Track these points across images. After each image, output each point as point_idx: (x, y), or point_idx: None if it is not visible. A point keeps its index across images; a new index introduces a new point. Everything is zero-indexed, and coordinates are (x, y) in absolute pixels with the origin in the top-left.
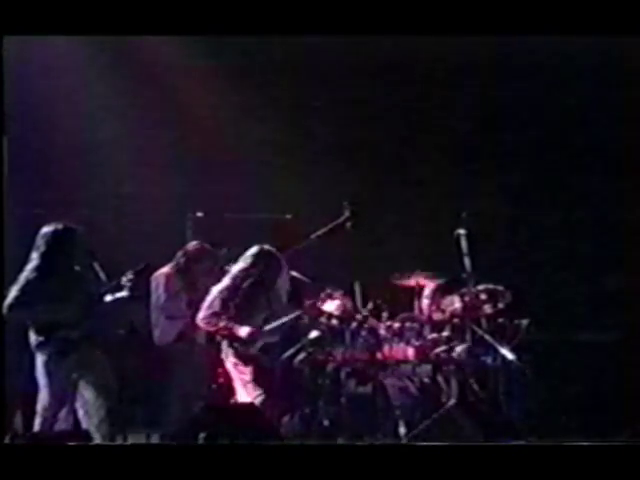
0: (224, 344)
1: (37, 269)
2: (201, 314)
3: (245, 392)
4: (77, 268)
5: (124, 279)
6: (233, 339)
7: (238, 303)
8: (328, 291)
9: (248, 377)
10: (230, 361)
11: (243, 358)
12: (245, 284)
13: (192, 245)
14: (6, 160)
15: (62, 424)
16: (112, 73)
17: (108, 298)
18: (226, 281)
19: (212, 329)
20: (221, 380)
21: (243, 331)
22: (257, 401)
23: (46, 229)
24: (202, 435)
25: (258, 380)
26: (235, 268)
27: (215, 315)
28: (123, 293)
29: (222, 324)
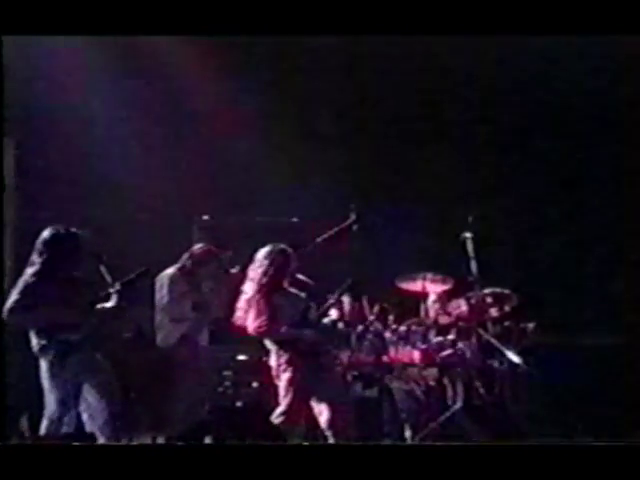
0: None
1: (37, 273)
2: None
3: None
4: (78, 271)
5: (112, 289)
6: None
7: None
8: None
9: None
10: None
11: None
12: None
13: (198, 248)
14: (11, 161)
15: (68, 427)
16: (120, 75)
17: (107, 304)
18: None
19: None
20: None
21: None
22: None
23: (46, 233)
24: (208, 438)
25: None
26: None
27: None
28: (110, 303)
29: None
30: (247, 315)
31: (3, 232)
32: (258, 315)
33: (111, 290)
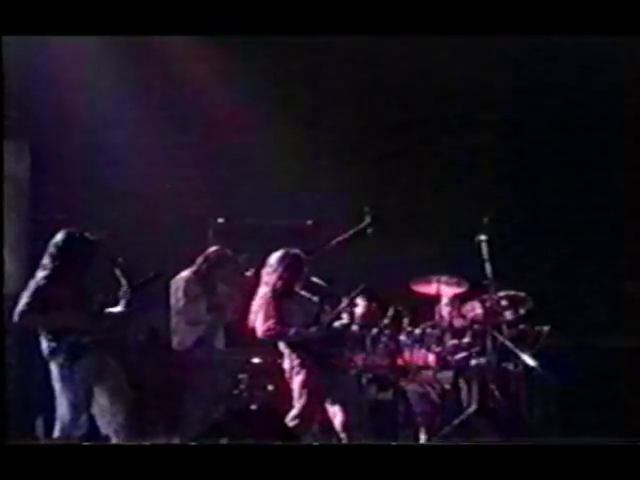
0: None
1: (49, 276)
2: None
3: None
4: (90, 275)
5: (122, 292)
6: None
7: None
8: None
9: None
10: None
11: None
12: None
13: (213, 250)
14: (27, 164)
15: (81, 430)
16: (135, 76)
17: (117, 307)
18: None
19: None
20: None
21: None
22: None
23: (59, 236)
24: (222, 441)
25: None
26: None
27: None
28: (121, 306)
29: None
30: (257, 318)
31: (3, 232)
32: (266, 319)
33: (122, 293)
